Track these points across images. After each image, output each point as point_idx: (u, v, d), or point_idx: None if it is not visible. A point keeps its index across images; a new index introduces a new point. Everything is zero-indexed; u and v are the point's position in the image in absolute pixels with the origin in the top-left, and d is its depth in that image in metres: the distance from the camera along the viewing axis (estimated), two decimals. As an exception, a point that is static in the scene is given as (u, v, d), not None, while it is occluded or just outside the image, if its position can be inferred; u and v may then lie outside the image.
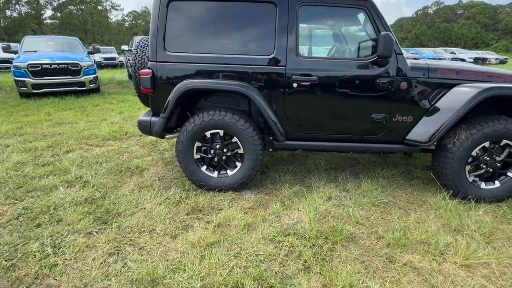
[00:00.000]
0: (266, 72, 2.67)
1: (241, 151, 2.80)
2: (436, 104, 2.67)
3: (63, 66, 7.78)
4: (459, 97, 2.54)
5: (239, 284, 1.77)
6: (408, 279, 1.85)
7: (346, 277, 1.82)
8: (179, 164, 2.84)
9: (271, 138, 2.97)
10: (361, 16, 2.80)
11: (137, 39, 3.52)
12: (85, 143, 4.31)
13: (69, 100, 7.56)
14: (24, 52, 8.28)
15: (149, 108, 3.17)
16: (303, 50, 2.78)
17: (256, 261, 1.97)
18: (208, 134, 2.75)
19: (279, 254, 2.04)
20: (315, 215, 2.48)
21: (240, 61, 2.67)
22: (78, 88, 8.11)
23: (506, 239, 2.24)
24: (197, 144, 2.79)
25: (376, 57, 2.56)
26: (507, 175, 2.70)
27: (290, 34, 2.63)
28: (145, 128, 2.88)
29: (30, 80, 7.48)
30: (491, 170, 2.67)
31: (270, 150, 2.99)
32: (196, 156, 2.84)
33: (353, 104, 2.72)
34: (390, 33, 2.44)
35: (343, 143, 2.85)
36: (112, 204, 2.62)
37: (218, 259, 1.97)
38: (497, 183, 2.70)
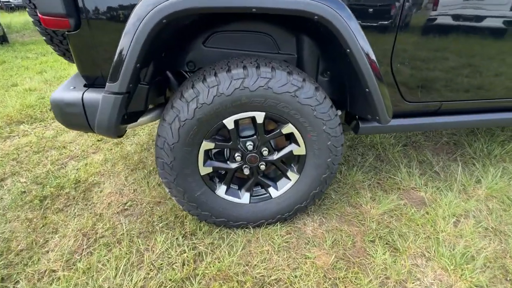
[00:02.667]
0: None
1: (300, 151, 1.33)
2: None
3: None
4: None
5: None
6: None
7: None
8: (169, 191, 1.32)
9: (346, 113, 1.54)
10: None
11: None
12: (-27, 135, 2.43)
13: (-44, 57, 5.04)
14: None
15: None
16: None
17: None
18: (229, 122, 1.20)
19: None
20: (473, 270, 1.23)
21: None
22: (-31, 38, 5.50)
23: None
24: (206, 145, 1.25)
25: None
26: None
27: None
28: (71, 118, 1.20)
29: None
30: None
31: None
32: (205, 171, 1.31)
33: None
34: None
35: (486, 114, 1.51)
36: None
37: None
38: None
